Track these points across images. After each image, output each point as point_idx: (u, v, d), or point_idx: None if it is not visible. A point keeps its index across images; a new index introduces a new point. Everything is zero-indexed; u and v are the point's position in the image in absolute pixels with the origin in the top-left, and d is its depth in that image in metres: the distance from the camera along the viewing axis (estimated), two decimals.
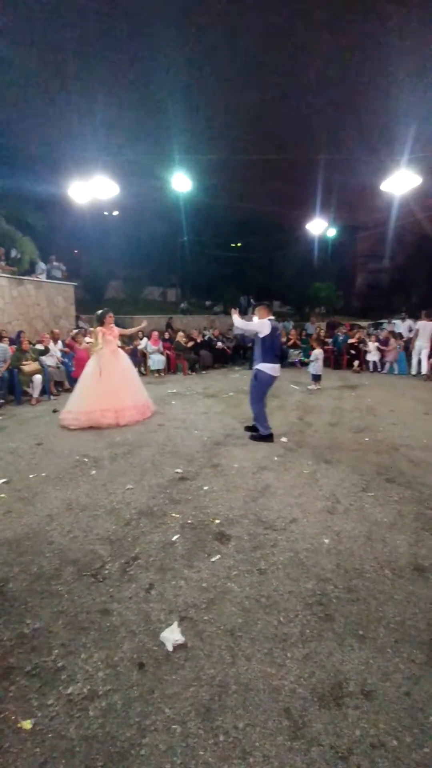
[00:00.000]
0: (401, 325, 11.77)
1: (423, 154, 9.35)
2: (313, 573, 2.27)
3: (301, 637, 1.81)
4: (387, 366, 10.31)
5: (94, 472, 3.75)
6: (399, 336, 10.80)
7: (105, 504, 3.11)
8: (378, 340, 10.80)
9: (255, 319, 4.92)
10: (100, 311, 5.84)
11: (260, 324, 4.48)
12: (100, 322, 5.66)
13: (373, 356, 10.46)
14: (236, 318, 4.88)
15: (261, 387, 4.55)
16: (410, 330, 11.41)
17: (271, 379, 4.52)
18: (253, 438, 4.68)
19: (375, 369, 10.37)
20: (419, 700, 1.50)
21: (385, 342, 10.68)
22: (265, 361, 4.46)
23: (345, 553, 2.46)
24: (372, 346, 10.50)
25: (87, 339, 9.54)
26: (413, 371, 9.73)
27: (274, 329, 4.46)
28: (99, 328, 5.56)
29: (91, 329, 6.55)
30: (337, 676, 1.61)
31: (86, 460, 4.05)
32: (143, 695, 1.54)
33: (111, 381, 5.31)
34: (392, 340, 10.48)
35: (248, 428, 4.90)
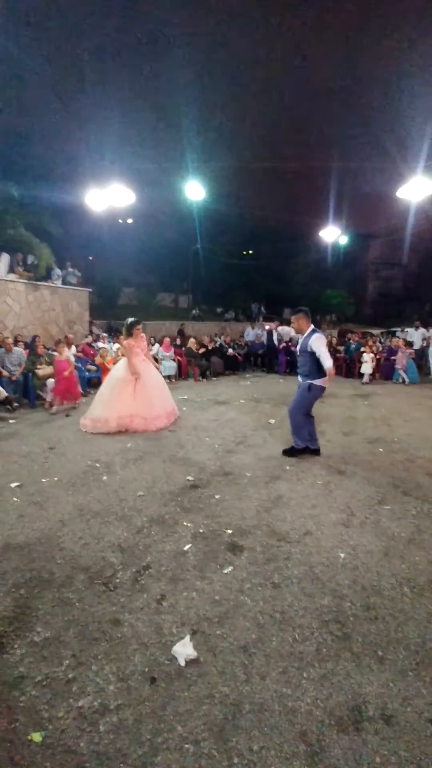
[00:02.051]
0: (414, 334, 11.63)
1: None
2: (329, 588, 2.21)
3: (318, 656, 1.75)
4: (398, 374, 10.07)
5: (105, 477, 3.74)
6: (410, 344, 10.67)
7: (116, 510, 3.09)
8: (378, 350, 10.56)
9: (286, 329, 4.73)
10: (129, 321, 5.51)
11: (320, 343, 4.05)
12: (129, 333, 5.40)
13: (367, 368, 9.80)
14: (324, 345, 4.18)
15: (311, 399, 4.25)
16: (423, 339, 11.30)
17: (322, 391, 4.25)
18: (285, 453, 4.39)
19: (369, 381, 9.67)
20: None
21: (391, 351, 10.46)
22: (321, 375, 4.09)
23: (361, 569, 2.39)
24: (367, 357, 9.84)
25: (101, 345, 9.66)
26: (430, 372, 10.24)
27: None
28: (127, 342, 5.38)
29: (116, 342, 6.66)
30: (356, 698, 1.54)
31: (98, 465, 4.05)
32: (155, 711, 1.50)
33: (142, 389, 5.28)
34: (402, 348, 10.19)
35: (286, 451, 4.45)
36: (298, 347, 4.32)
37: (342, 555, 2.53)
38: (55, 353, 7.95)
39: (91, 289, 13.51)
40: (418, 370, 10.07)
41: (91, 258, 22.01)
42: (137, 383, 5.24)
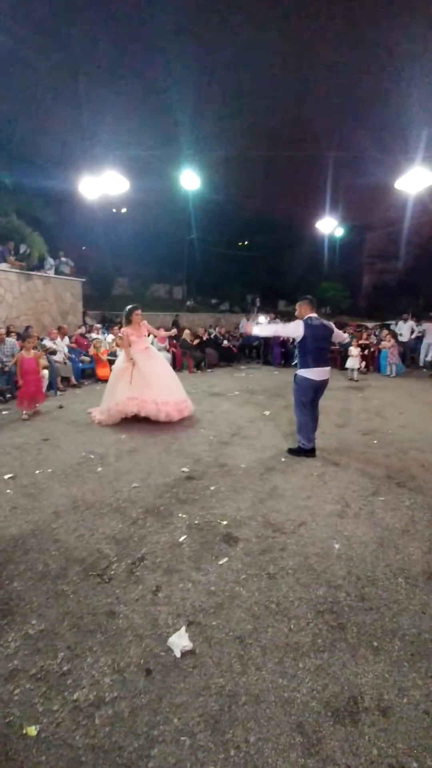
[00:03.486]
0: (403, 326, 11.67)
1: None
2: (324, 579, 2.21)
3: (313, 646, 1.75)
4: (393, 368, 10.07)
5: (100, 469, 3.71)
6: (396, 337, 10.81)
7: (111, 502, 3.06)
8: (373, 343, 10.52)
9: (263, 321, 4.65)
10: (127, 308, 5.35)
11: (294, 327, 3.97)
12: (128, 320, 5.26)
13: (353, 362, 9.26)
14: (256, 328, 4.34)
15: (299, 392, 4.05)
16: (412, 331, 11.39)
17: (313, 384, 3.98)
18: (290, 452, 4.19)
19: (351, 378, 9.19)
20: None
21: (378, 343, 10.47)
22: (303, 365, 3.99)
23: (356, 559, 2.40)
24: (355, 351, 9.38)
25: (95, 336, 9.54)
26: (421, 363, 10.60)
27: (315, 328, 3.94)
28: (124, 330, 5.24)
29: (110, 333, 6.17)
30: (352, 690, 1.55)
31: (92, 457, 4.01)
32: (151, 703, 1.49)
33: (140, 376, 5.09)
34: (389, 342, 10.14)
35: (292, 450, 4.24)
36: None
37: (337, 546, 2.53)
38: (48, 342, 7.78)
39: (84, 279, 13.33)
40: (403, 361, 10.43)
41: (84, 248, 21.68)
42: (134, 369, 5.11)
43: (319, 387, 4.08)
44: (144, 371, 5.11)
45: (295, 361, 4.13)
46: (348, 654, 1.72)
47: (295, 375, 4.10)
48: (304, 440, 4.14)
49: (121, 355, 5.42)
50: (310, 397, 4.04)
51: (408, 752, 1.32)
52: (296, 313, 4.22)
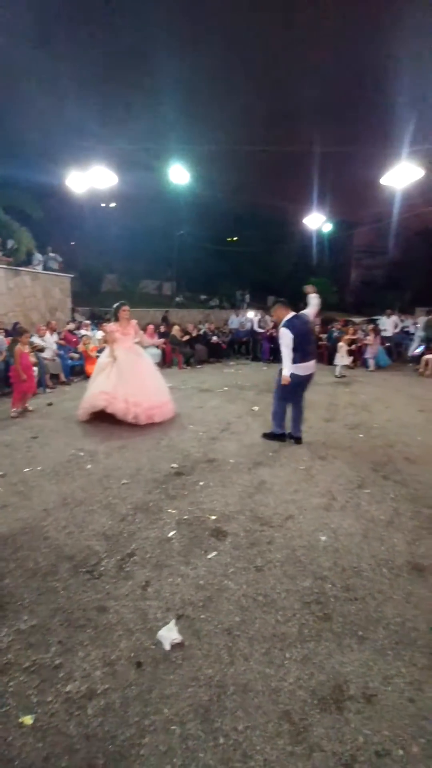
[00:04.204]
0: (387, 321, 11.86)
1: (425, 146, 9.25)
2: (310, 571, 2.27)
3: (300, 636, 1.80)
4: (371, 363, 10.22)
5: (89, 466, 3.71)
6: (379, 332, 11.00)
7: (101, 499, 3.07)
8: (361, 339, 10.66)
9: (255, 320, 4.75)
10: (115, 305, 5.29)
11: (286, 340, 4.04)
12: (115, 317, 5.21)
13: (342, 359, 9.06)
14: (285, 371, 4.18)
15: (286, 386, 4.21)
16: (396, 326, 11.63)
17: (300, 379, 4.17)
18: (265, 436, 4.53)
19: (342, 375, 8.93)
20: (423, 707, 1.48)
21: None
22: (291, 361, 4.10)
23: (342, 551, 2.46)
24: (343, 349, 9.26)
25: (84, 333, 9.46)
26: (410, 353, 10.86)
27: (298, 328, 4.07)
28: (110, 326, 5.17)
29: (100, 329, 5.85)
30: (337, 678, 1.60)
31: (82, 454, 4.00)
32: (141, 695, 1.52)
33: (119, 373, 4.97)
34: (371, 335, 10.30)
35: (266, 435, 4.57)
36: None
37: (323, 538, 2.59)
38: (37, 339, 7.66)
39: (73, 275, 13.16)
40: (390, 356, 10.76)
41: (72, 243, 21.38)
42: (113, 366, 5.04)
43: (305, 381, 4.27)
44: (123, 369, 5.01)
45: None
46: (334, 643, 1.77)
47: (280, 370, 4.21)
48: (277, 427, 4.47)
49: (106, 349, 5.37)
50: (294, 390, 4.24)
51: (393, 739, 1.37)
52: (273, 318, 4.35)
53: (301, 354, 4.09)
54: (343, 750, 1.33)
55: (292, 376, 4.12)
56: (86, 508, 2.94)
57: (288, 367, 4.05)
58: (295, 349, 4.06)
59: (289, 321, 4.11)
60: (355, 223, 31.79)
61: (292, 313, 4.18)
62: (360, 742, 1.36)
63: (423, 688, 1.57)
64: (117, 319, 5.19)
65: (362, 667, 1.65)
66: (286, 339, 4.04)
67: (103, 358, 5.32)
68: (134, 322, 5.35)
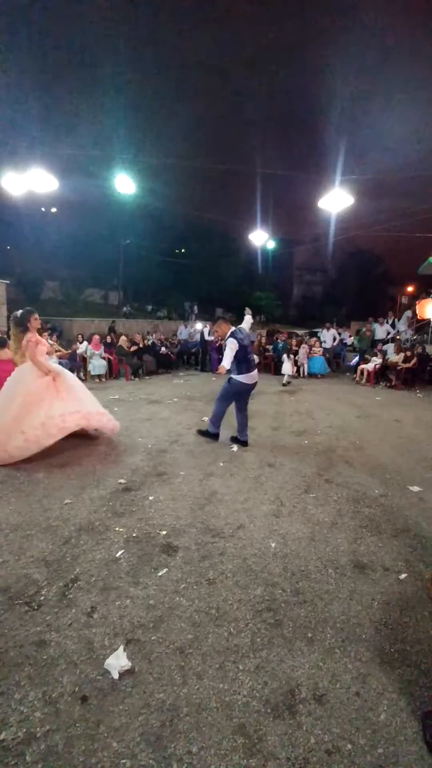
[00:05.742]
0: (326, 334, 12.73)
1: (353, 177, 10.13)
2: (262, 578, 2.28)
3: (252, 646, 1.79)
4: (304, 369, 10.82)
5: (26, 487, 3.44)
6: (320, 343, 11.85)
7: (40, 522, 2.85)
8: (307, 351, 11.29)
9: (204, 331, 4.92)
10: (20, 312, 4.43)
11: (232, 347, 4.32)
12: (24, 326, 4.30)
13: (287, 369, 9.55)
14: (225, 362, 4.35)
15: (230, 390, 4.61)
16: (334, 339, 12.55)
17: (244, 386, 4.55)
18: (200, 432, 4.92)
19: (289, 382, 9.33)
20: (368, 699, 1.55)
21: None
22: (239, 372, 4.48)
23: (291, 556, 2.51)
24: (288, 362, 9.69)
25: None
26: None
27: (242, 339, 4.41)
28: (30, 336, 4.26)
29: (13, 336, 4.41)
30: (289, 683, 1.61)
31: (18, 474, 3.71)
32: (87, 731, 1.41)
33: (69, 387, 4.42)
34: (306, 347, 11.13)
35: (201, 432, 4.99)
36: None
37: (273, 544, 2.63)
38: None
39: (8, 282, 12.38)
40: (329, 365, 11.58)
41: (9, 247, 20.16)
42: (58, 381, 4.36)
43: (250, 389, 4.68)
44: (69, 381, 4.49)
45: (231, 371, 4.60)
46: (285, 649, 1.78)
47: (230, 378, 4.60)
48: (214, 427, 4.83)
49: (21, 372, 4.33)
50: (237, 397, 4.68)
51: (343, 735, 1.40)
52: (216, 335, 4.67)
53: (246, 365, 4.48)
54: (296, 754, 1.34)
55: (239, 384, 4.53)
56: (23, 533, 2.71)
57: (227, 365, 4.33)
58: (240, 361, 4.43)
59: (232, 333, 4.49)
60: (296, 242, 33.70)
61: (233, 328, 4.59)
62: (311, 743, 1.37)
63: (367, 680, 1.63)
64: (26, 329, 4.32)
65: (313, 668, 1.68)
66: (232, 345, 4.36)
67: (24, 383, 4.24)
68: (44, 336, 4.91)
